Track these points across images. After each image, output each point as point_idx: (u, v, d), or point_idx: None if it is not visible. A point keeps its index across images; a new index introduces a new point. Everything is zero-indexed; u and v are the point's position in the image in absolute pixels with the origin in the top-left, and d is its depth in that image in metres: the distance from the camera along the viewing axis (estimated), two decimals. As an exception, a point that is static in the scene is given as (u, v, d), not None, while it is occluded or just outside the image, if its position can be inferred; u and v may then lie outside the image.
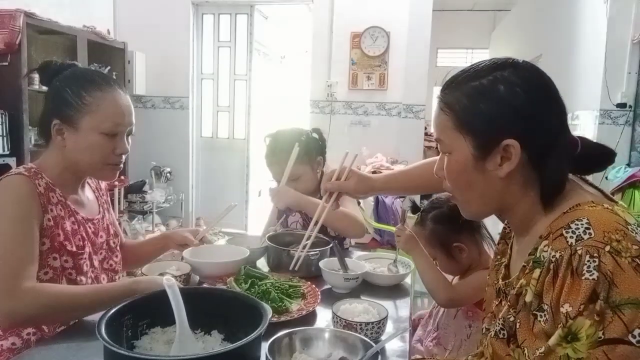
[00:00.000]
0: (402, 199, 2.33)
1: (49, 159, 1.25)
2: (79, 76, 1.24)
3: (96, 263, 1.32)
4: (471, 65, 0.85)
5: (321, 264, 1.43)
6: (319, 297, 1.25)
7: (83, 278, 1.25)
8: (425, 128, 4.66)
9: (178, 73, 4.77)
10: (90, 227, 1.31)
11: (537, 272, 0.74)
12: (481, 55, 7.60)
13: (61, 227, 1.21)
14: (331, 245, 1.55)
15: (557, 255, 0.71)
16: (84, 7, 4.27)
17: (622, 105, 3.08)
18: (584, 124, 3.34)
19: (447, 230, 1.41)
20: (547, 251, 0.74)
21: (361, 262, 1.50)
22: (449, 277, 1.46)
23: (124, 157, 1.28)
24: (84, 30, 3.87)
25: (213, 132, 5.04)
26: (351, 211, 1.68)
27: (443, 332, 1.46)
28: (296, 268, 1.31)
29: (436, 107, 0.88)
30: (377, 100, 4.46)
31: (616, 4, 3.07)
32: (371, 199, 3.40)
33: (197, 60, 4.90)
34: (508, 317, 0.80)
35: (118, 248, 1.42)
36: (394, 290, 1.45)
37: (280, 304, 1.18)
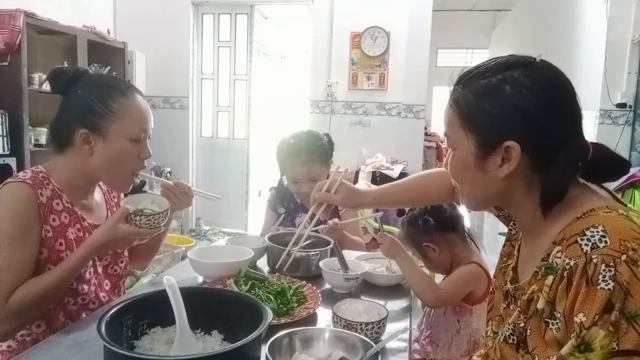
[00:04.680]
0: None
1: (62, 163, 1.23)
2: (102, 83, 1.23)
3: (100, 269, 1.31)
4: (485, 62, 0.84)
5: (321, 264, 1.43)
6: (320, 299, 1.25)
7: (85, 286, 1.24)
8: (425, 128, 4.66)
9: (178, 73, 4.77)
10: None
11: (550, 279, 0.73)
12: (481, 55, 7.60)
13: (63, 236, 1.19)
14: (331, 245, 1.55)
15: (572, 263, 0.69)
16: (84, 7, 4.27)
17: (622, 105, 3.07)
18: (584, 124, 3.34)
19: (417, 231, 1.46)
20: (560, 257, 0.72)
21: (361, 262, 1.50)
22: (440, 278, 1.49)
23: (146, 162, 1.28)
24: (84, 30, 3.87)
25: (213, 132, 5.04)
26: (355, 237, 1.87)
27: (435, 330, 1.49)
28: (284, 269, 1.32)
29: (447, 102, 0.88)
30: (377, 100, 4.46)
31: (616, 4, 3.07)
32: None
33: (197, 60, 4.90)
34: (518, 322, 0.79)
35: (124, 254, 1.40)
36: (394, 290, 1.45)
37: (280, 306, 1.18)
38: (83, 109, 1.19)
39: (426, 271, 1.47)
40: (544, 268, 0.75)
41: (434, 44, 4.72)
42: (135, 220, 1.18)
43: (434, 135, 5.42)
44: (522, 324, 0.78)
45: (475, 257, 1.44)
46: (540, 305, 0.74)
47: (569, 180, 0.79)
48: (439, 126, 7.36)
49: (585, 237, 0.70)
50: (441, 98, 8.20)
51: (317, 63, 4.54)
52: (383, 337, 1.06)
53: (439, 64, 7.75)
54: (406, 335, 1.13)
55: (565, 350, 0.67)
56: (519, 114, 0.77)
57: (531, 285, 0.78)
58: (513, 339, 0.80)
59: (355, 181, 4.14)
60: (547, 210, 0.80)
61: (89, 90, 1.21)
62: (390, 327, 1.13)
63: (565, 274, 0.70)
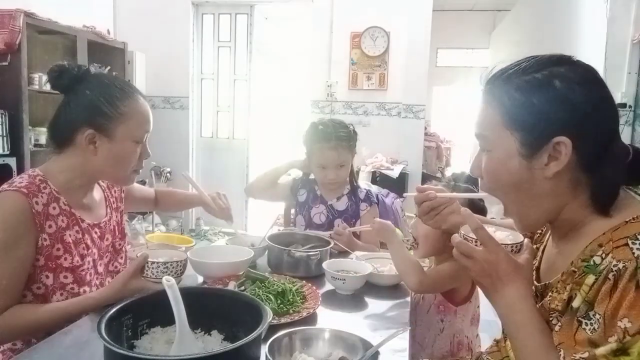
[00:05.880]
0: (402, 199, 2.33)
1: (62, 164, 1.22)
2: (110, 85, 1.22)
3: (101, 268, 1.31)
4: (521, 60, 0.81)
5: (324, 265, 1.42)
6: (320, 299, 1.25)
7: (87, 288, 1.23)
8: (425, 128, 4.66)
9: (178, 73, 4.77)
10: (96, 233, 1.29)
11: (590, 278, 0.71)
12: (481, 56, 7.60)
13: (60, 240, 1.18)
14: (331, 245, 1.55)
15: (620, 265, 0.68)
16: (84, 7, 4.28)
17: (622, 105, 3.07)
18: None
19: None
20: (604, 258, 0.71)
21: (363, 262, 1.50)
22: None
23: (145, 162, 1.31)
24: (84, 30, 3.87)
25: (213, 132, 5.04)
26: (367, 245, 1.85)
27: (418, 329, 1.47)
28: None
29: (481, 102, 0.84)
30: (377, 100, 4.46)
31: (616, 4, 3.07)
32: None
33: (197, 60, 4.90)
34: (550, 319, 0.77)
35: (124, 249, 1.40)
36: (395, 289, 1.45)
37: (281, 306, 1.18)
38: (91, 109, 1.19)
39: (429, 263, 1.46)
40: (583, 267, 0.74)
41: (434, 44, 4.72)
42: (153, 268, 1.18)
43: (433, 135, 5.43)
44: (553, 321, 0.77)
45: None
46: (576, 303, 0.72)
47: (621, 178, 0.78)
48: (439, 126, 7.36)
49: (637, 241, 0.69)
50: (441, 98, 8.21)
51: (317, 63, 4.54)
52: (382, 337, 1.06)
53: (439, 64, 7.75)
54: (406, 335, 1.13)
55: (601, 350, 0.66)
56: (570, 109, 0.75)
57: (567, 283, 0.76)
58: None
59: (355, 181, 4.13)
60: (604, 210, 0.77)
61: (97, 91, 1.20)
62: (391, 327, 1.13)
63: (610, 275, 0.68)
